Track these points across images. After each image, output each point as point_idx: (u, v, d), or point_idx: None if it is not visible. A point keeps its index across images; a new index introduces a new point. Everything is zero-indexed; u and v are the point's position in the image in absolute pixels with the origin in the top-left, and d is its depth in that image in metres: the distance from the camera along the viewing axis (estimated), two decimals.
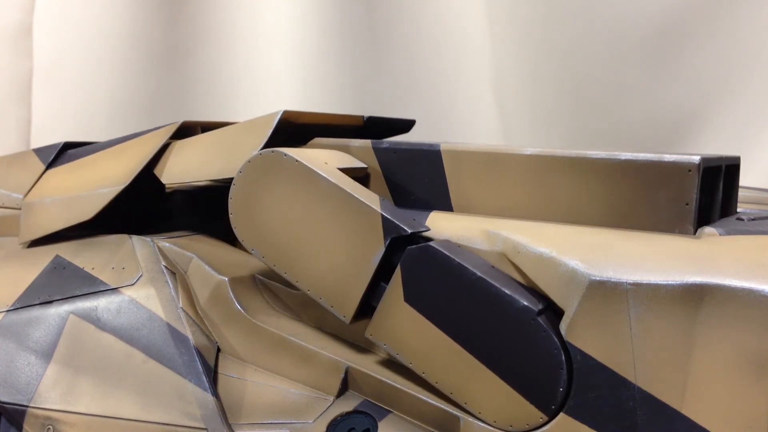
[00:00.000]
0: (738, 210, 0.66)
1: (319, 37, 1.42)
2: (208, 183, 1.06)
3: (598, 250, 0.51)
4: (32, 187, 0.77)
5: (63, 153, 0.80)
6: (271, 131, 0.64)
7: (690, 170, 0.52)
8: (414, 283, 0.53)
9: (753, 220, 0.60)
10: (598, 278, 0.49)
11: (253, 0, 1.44)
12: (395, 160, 0.63)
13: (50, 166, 0.79)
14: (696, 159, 0.52)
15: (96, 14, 1.39)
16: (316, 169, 0.57)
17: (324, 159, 0.60)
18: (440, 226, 0.58)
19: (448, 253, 0.52)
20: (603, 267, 0.49)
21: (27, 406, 0.60)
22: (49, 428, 0.59)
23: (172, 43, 1.43)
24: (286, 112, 0.65)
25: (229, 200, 0.61)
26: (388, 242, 0.54)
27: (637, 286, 0.48)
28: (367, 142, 0.64)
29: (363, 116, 0.76)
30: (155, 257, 0.66)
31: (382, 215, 0.55)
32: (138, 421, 0.57)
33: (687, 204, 0.52)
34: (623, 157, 0.54)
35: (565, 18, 1.34)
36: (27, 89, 1.41)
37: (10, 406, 0.60)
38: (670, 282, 0.47)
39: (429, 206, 0.62)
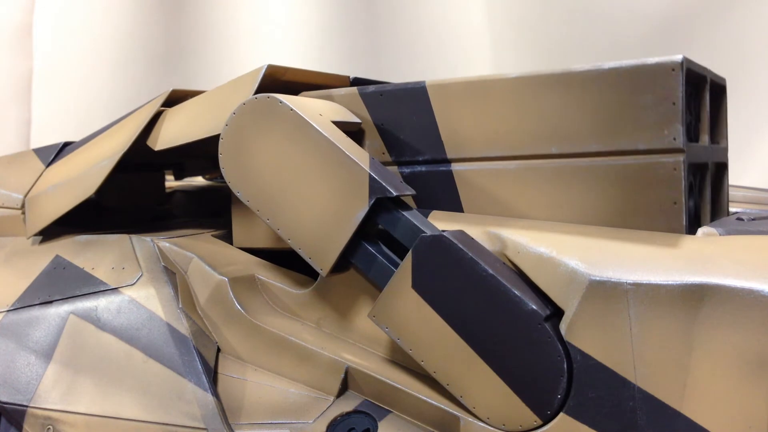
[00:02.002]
0: (736, 210, 0.66)
1: (319, 38, 1.42)
2: (208, 183, 1.06)
3: (598, 249, 0.51)
4: (32, 186, 0.77)
5: (62, 152, 0.80)
6: (256, 86, 0.63)
7: (674, 69, 0.52)
8: (423, 271, 0.53)
9: (753, 220, 0.60)
10: (598, 278, 0.49)
11: (253, 0, 1.44)
12: (382, 103, 0.63)
13: (50, 165, 0.79)
14: (678, 57, 0.52)
15: (96, 14, 1.39)
16: (309, 120, 0.57)
17: (319, 110, 0.60)
18: (440, 226, 0.58)
19: (461, 246, 0.52)
20: (603, 267, 0.49)
21: (27, 406, 0.60)
22: (49, 428, 0.59)
23: (172, 43, 1.43)
24: (270, 67, 0.65)
25: (220, 141, 0.61)
26: (372, 202, 0.55)
27: (637, 286, 0.48)
28: (353, 89, 0.64)
29: (349, 76, 0.76)
30: (155, 257, 0.66)
31: (370, 175, 0.55)
32: (138, 421, 0.57)
33: (674, 103, 0.52)
34: (607, 66, 0.54)
35: (565, 18, 1.34)
36: (27, 89, 1.41)
37: (10, 406, 0.60)
38: (670, 282, 0.47)
39: (420, 146, 0.62)
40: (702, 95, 0.59)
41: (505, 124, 0.58)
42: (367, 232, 0.57)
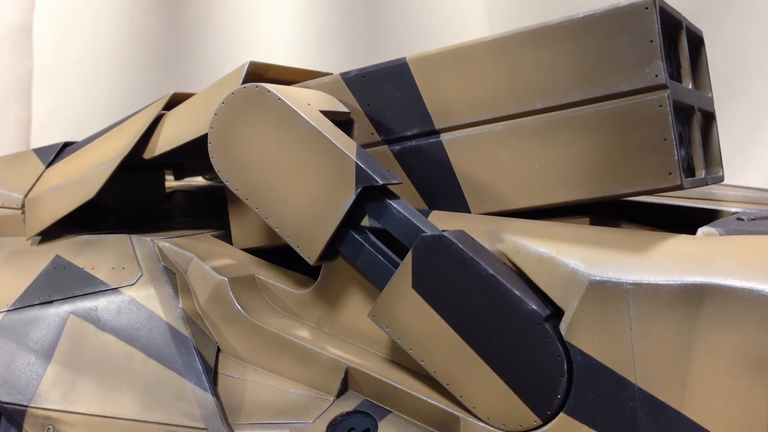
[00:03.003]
0: (736, 210, 0.66)
1: (319, 38, 1.42)
2: (208, 183, 1.06)
3: (598, 249, 0.51)
4: (33, 186, 0.78)
5: (62, 153, 0.80)
6: (240, 83, 0.63)
7: (647, 7, 0.53)
8: (424, 271, 0.53)
9: (753, 220, 0.60)
10: (598, 278, 0.49)
11: (253, 0, 1.44)
12: (366, 84, 0.63)
13: (50, 165, 0.79)
14: None
15: (96, 14, 1.39)
16: (297, 110, 0.57)
17: (307, 100, 0.60)
18: (440, 226, 0.58)
19: (461, 246, 0.52)
20: (603, 267, 0.49)
21: (27, 406, 0.60)
22: (49, 428, 0.59)
23: (172, 42, 1.43)
24: (252, 64, 0.66)
25: (209, 131, 0.61)
26: (359, 190, 0.55)
27: (637, 286, 0.48)
28: (336, 75, 0.65)
29: (332, 74, 0.76)
30: (155, 257, 0.66)
31: (357, 164, 0.55)
32: (138, 421, 0.57)
33: (651, 41, 0.53)
34: (582, 15, 0.55)
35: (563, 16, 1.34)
36: (27, 89, 1.41)
37: (10, 406, 0.60)
38: (670, 282, 0.47)
39: (408, 121, 0.62)
40: (679, 41, 0.60)
41: (488, 87, 0.59)
42: (355, 221, 0.57)
